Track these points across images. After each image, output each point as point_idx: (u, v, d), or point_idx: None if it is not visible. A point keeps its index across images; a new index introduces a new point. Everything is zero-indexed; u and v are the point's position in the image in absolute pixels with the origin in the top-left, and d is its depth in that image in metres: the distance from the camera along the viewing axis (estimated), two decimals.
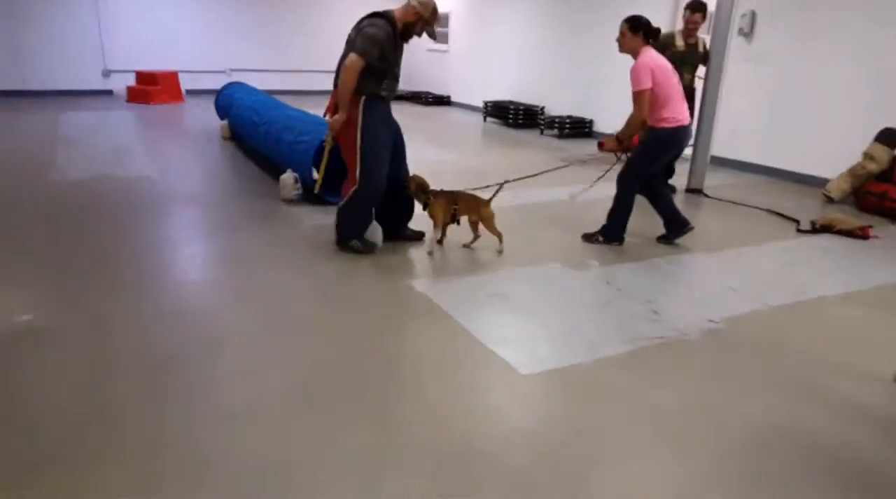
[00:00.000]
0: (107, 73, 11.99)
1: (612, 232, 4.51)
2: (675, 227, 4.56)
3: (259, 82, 10.42)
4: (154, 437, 2.30)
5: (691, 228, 4.57)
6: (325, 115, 4.04)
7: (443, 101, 13.29)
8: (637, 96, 4.05)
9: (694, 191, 6.32)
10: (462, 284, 3.86)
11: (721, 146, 7.30)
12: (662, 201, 4.53)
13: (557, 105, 10.38)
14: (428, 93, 13.54)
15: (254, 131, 6.64)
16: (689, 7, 5.84)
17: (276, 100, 7.56)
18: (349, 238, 4.17)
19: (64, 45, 11.39)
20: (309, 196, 5.44)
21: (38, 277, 3.69)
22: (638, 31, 4.09)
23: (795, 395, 2.74)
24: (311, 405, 2.54)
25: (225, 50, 12.85)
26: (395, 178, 4.19)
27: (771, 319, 3.50)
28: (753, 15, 7.17)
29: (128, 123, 9.15)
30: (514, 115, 10.47)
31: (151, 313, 3.33)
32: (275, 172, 6.07)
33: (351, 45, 3.79)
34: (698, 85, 6.13)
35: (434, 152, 7.88)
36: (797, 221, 5.38)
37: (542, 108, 10.51)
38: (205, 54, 12.66)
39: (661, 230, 4.69)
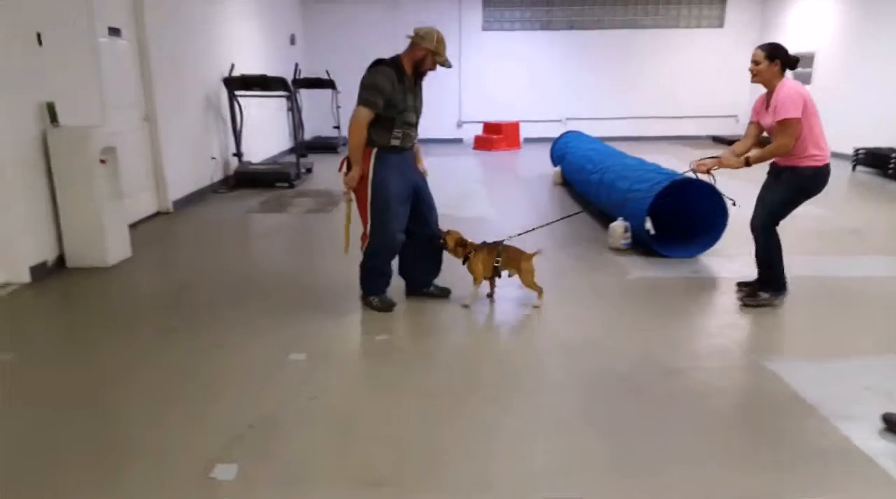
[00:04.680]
0: (460, 124, 13.63)
1: (777, 280, 4.01)
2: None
3: (594, 130, 10.58)
4: (479, 478, 2.29)
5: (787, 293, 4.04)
6: (339, 171, 3.79)
7: None
8: (788, 124, 3.62)
9: None
10: (828, 368, 3.14)
11: None
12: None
13: None
14: None
15: (586, 178, 6.66)
16: None
17: (612, 148, 7.51)
18: (368, 294, 3.93)
19: (430, 103, 13.30)
20: (638, 246, 5.18)
21: (401, 305, 4.09)
22: (775, 61, 3.70)
23: None
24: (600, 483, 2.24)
25: (561, 100, 13.46)
26: (420, 232, 3.90)
27: None
28: None
29: (473, 168, 10.14)
30: None
31: (477, 350, 3.45)
32: (602, 219, 5.96)
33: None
34: None
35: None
36: None
37: None
38: (543, 105, 13.45)
39: None
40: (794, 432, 2.60)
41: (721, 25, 13.29)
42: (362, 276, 3.93)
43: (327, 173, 9.43)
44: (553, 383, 3.05)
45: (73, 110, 4.91)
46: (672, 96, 13.47)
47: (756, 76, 3.79)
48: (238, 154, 8.42)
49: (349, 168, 3.67)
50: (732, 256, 4.97)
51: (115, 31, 5.76)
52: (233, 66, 8.41)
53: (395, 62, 3.63)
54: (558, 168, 8.44)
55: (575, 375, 3.12)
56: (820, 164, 3.74)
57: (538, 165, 9.88)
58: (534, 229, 4.37)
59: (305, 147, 11.12)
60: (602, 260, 5.02)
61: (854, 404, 2.77)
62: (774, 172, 3.93)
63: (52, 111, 4.59)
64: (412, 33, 3.63)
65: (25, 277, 4.38)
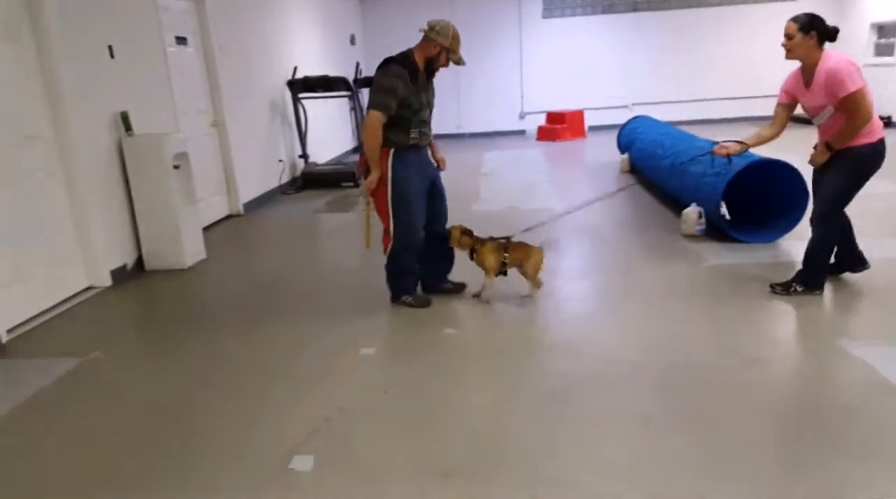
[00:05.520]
0: (522, 116, 13.43)
1: (814, 278, 3.65)
2: (853, 261, 3.81)
3: (663, 114, 10.18)
4: (550, 471, 2.21)
5: (868, 267, 3.80)
6: (358, 177, 3.64)
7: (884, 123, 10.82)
8: (858, 97, 3.25)
9: None
10: None
11: None
12: (848, 231, 3.78)
13: None
14: None
15: (656, 164, 6.39)
16: None
17: (683, 131, 7.18)
18: (400, 294, 3.87)
19: (492, 95, 13.25)
20: (713, 232, 4.91)
21: (467, 301, 4.06)
22: (811, 33, 3.34)
23: None
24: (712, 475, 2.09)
25: (627, 85, 13.02)
26: (431, 228, 3.81)
27: None
28: None
29: (537, 160, 9.95)
30: None
31: (548, 344, 3.35)
32: (673, 205, 5.71)
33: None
34: None
35: (880, 185, 6.32)
36: None
37: None
38: (608, 92, 13.06)
39: None
40: (888, 420, 2.40)
41: None
42: (390, 278, 3.90)
43: None
44: (629, 374, 2.91)
45: (146, 118, 5.12)
46: (746, 74, 12.74)
47: (790, 52, 3.42)
48: (304, 155, 8.59)
49: (367, 172, 3.62)
50: None
51: (181, 40, 5.98)
52: (295, 68, 8.58)
53: (406, 59, 3.52)
54: (626, 155, 8.16)
55: (651, 365, 2.97)
56: (875, 139, 3.37)
57: (604, 154, 9.58)
58: (545, 222, 4.20)
59: None
60: (676, 248, 4.80)
61: None
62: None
63: (126, 120, 4.80)
64: (426, 26, 3.53)
65: (107, 281, 4.60)
